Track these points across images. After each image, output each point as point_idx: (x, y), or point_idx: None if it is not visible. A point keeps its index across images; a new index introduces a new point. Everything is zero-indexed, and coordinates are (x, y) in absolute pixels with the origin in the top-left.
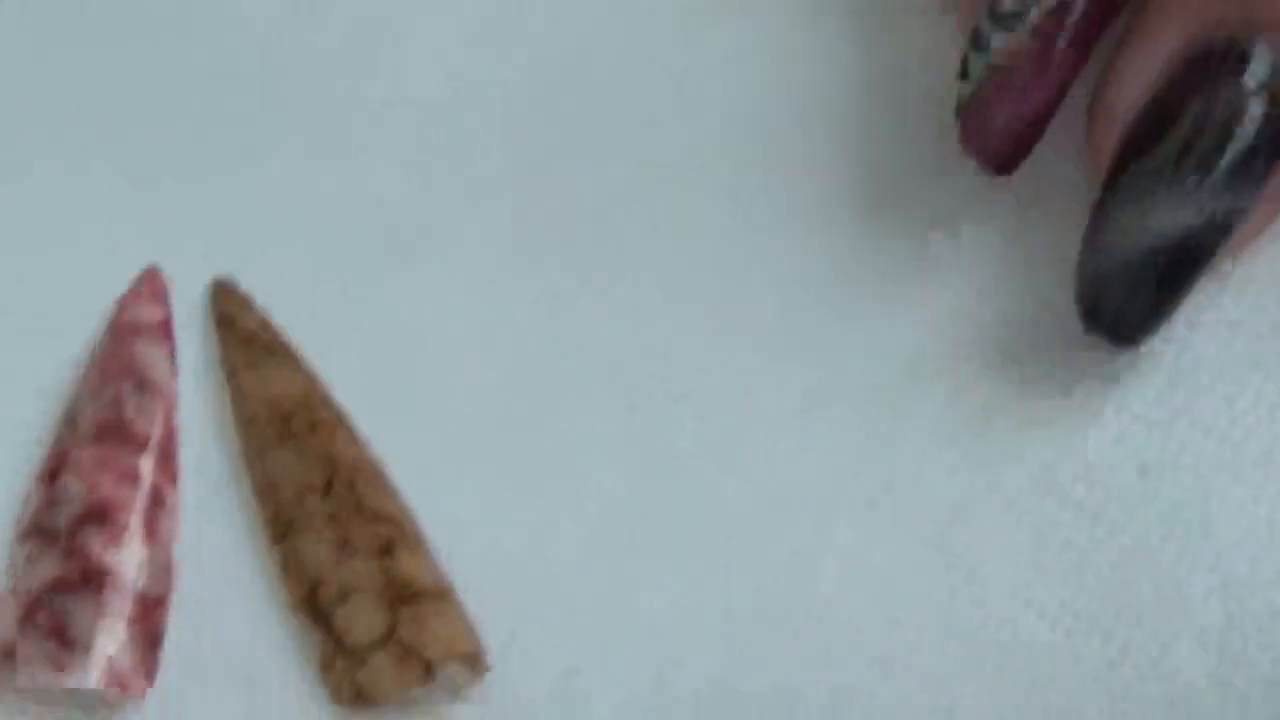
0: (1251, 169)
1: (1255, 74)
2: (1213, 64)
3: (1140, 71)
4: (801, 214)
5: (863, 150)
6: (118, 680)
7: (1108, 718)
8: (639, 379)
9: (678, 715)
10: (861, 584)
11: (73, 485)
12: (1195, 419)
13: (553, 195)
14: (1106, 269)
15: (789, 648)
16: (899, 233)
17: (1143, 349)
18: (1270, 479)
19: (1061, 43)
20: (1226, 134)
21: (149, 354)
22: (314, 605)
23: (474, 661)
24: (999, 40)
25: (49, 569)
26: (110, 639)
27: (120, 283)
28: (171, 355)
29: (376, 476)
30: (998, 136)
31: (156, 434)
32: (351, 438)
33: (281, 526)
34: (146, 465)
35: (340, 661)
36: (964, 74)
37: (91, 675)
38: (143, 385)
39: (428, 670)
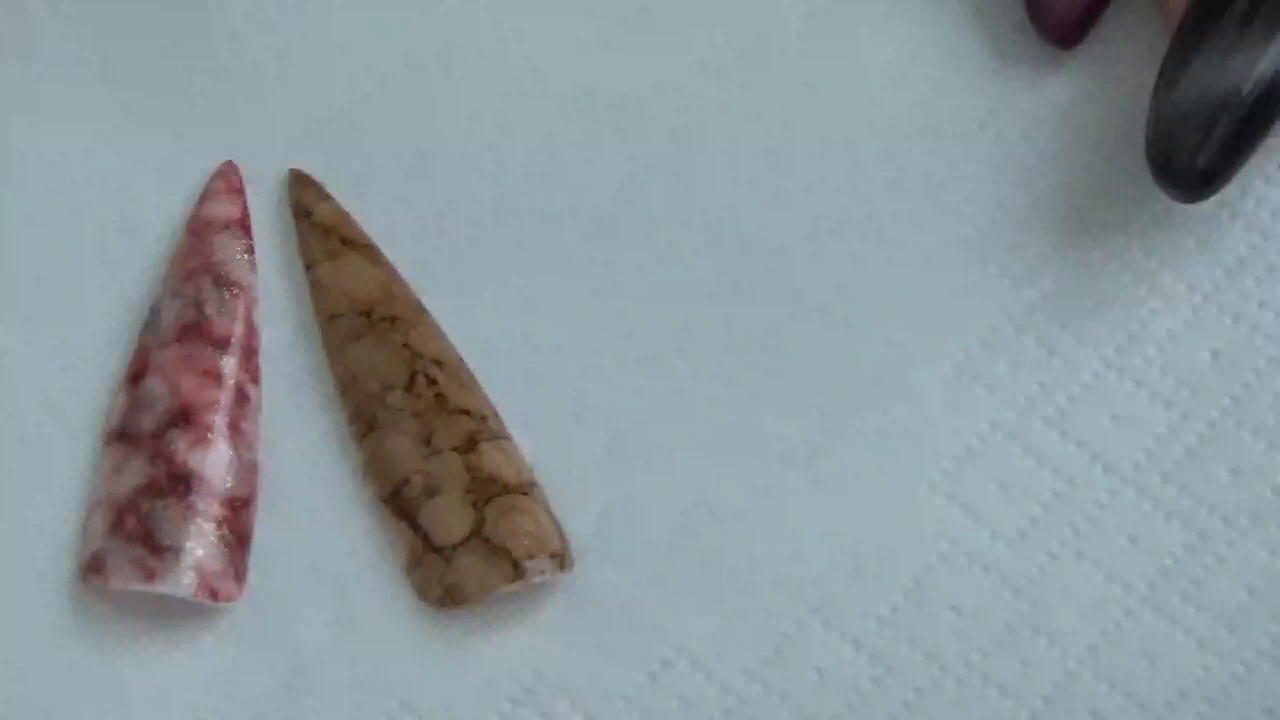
0: None
1: None
2: None
3: None
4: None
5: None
6: (208, 585)
7: (1195, 606)
8: (723, 277)
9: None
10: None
11: (156, 387)
12: (1266, 300)
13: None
14: (1177, 122)
15: (885, 560)
16: (966, 105)
17: (1213, 223)
18: None
19: None
20: None
21: (228, 250)
22: (400, 503)
23: (560, 558)
24: None
25: (136, 474)
26: (199, 543)
27: (197, 179)
28: (250, 251)
29: (458, 371)
30: (1062, 9)
31: (238, 332)
32: (431, 331)
33: (365, 423)
34: (229, 364)
35: (428, 559)
36: None
37: (182, 581)
38: (222, 282)
39: (515, 568)
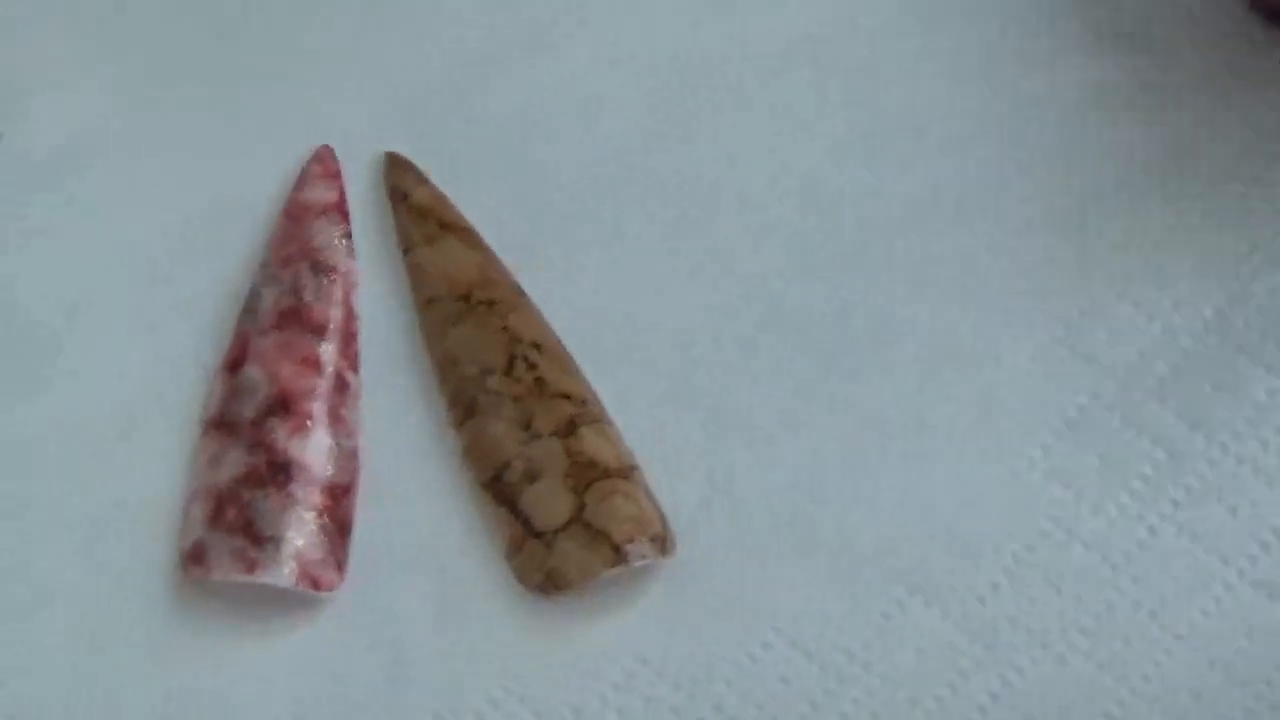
0: None
1: None
2: None
3: None
4: None
5: None
6: (309, 575)
7: None
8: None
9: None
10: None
11: (255, 374)
12: None
13: None
14: None
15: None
16: (1062, 80)
17: None
18: None
19: None
20: None
21: (325, 235)
22: (500, 488)
23: (661, 542)
24: None
25: (235, 463)
26: (300, 533)
27: (294, 164)
28: (348, 236)
29: (557, 354)
30: None
31: (336, 318)
32: (530, 314)
33: (464, 408)
34: (328, 351)
35: (529, 545)
36: None
37: (283, 571)
38: (320, 268)
39: (617, 552)
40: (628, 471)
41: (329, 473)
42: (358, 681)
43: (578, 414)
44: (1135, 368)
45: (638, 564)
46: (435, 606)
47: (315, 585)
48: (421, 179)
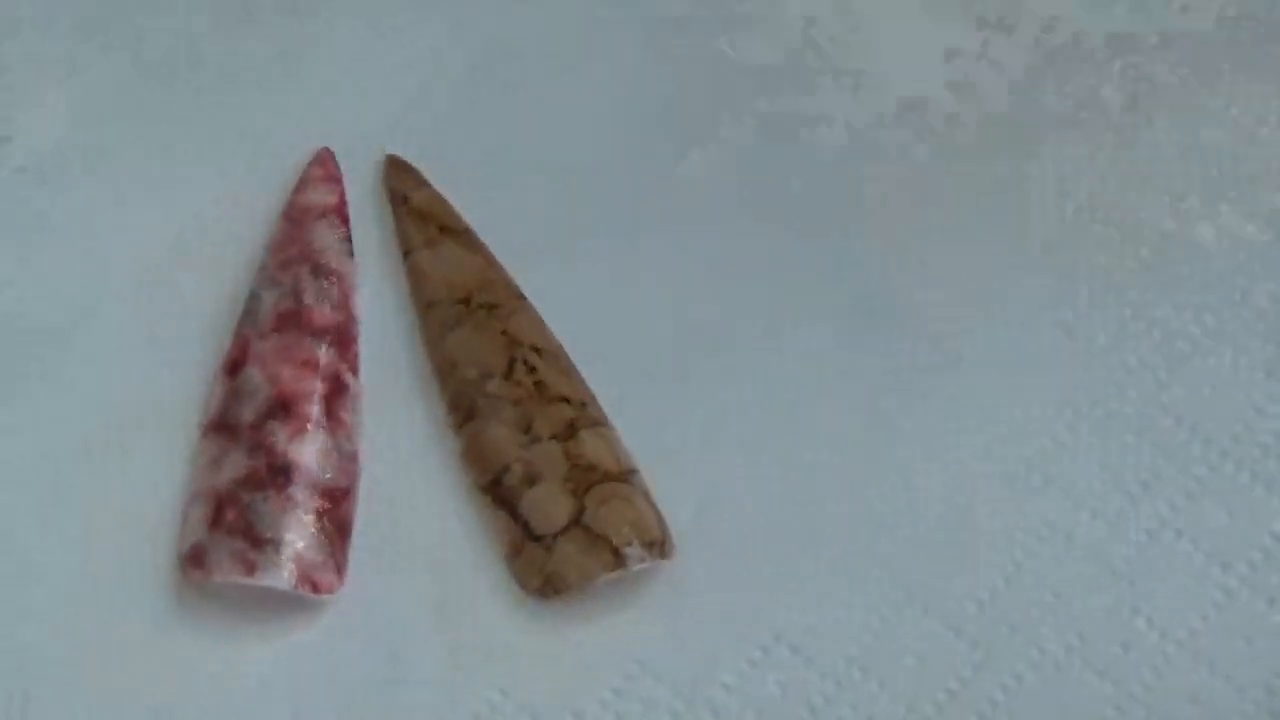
0: None
1: None
2: None
3: None
4: None
5: None
6: (308, 577)
7: None
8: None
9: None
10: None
11: (255, 377)
12: None
13: None
14: None
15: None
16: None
17: None
18: None
19: None
20: None
21: (325, 238)
22: (499, 491)
23: (660, 546)
24: None
25: (235, 465)
26: (299, 535)
27: (294, 167)
28: (348, 239)
29: (557, 357)
30: None
31: (336, 321)
32: (530, 318)
33: (464, 411)
34: (327, 353)
35: (528, 548)
36: None
37: (283, 574)
38: (320, 270)
39: (616, 556)
40: (627, 475)
41: (328, 475)
42: (357, 684)
43: (577, 417)
44: (1134, 371)
45: (637, 568)
46: (434, 609)
47: (315, 588)
48: (421, 182)
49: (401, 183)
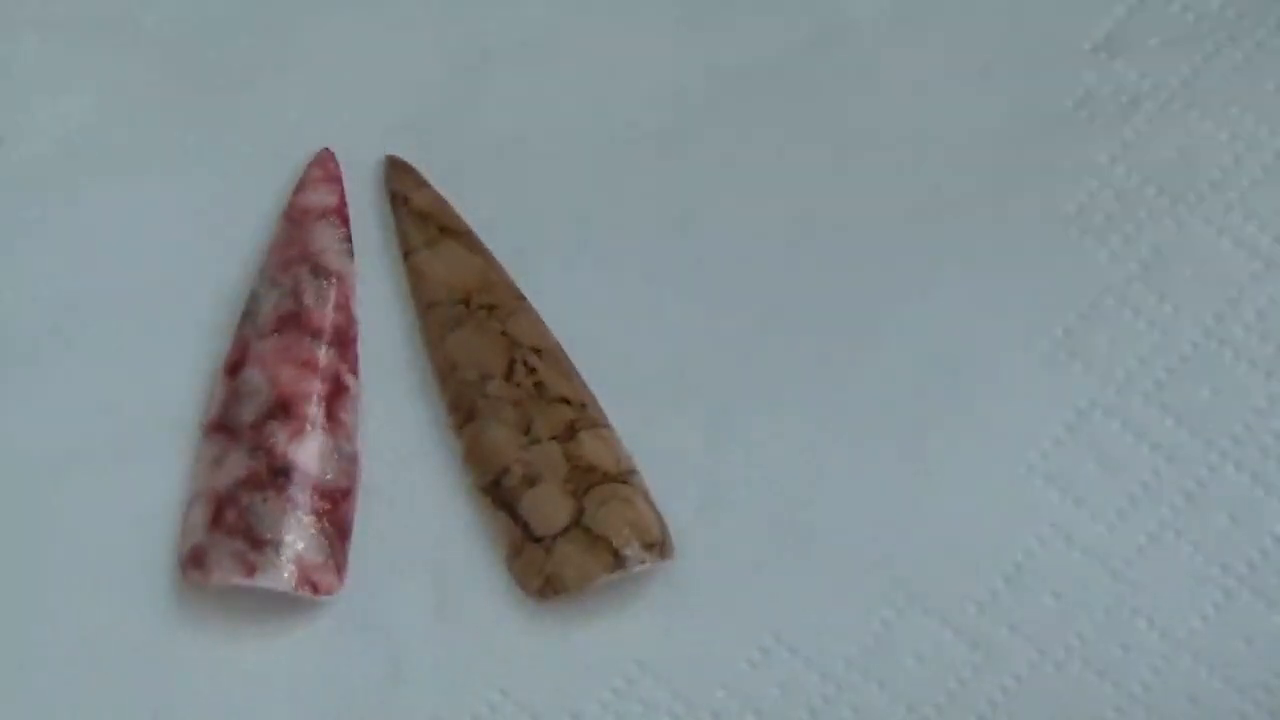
0: None
1: None
2: None
3: None
4: None
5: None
6: (308, 578)
7: None
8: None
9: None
10: None
11: (255, 378)
12: None
13: None
14: None
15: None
16: (1061, 83)
17: None
18: None
19: None
20: None
21: (325, 239)
22: (499, 492)
23: (660, 547)
24: None
25: (236, 466)
26: (299, 536)
27: (294, 167)
28: (348, 239)
29: (557, 358)
30: None
31: (336, 322)
32: (530, 319)
33: (464, 412)
34: (327, 354)
35: (528, 549)
36: None
37: (283, 575)
38: (320, 271)
39: (616, 557)
40: (627, 476)
41: (328, 476)
42: (356, 685)
43: (577, 418)
44: (1134, 373)
45: (636, 569)
46: (434, 610)
47: (314, 589)
48: (422, 183)
49: (402, 183)
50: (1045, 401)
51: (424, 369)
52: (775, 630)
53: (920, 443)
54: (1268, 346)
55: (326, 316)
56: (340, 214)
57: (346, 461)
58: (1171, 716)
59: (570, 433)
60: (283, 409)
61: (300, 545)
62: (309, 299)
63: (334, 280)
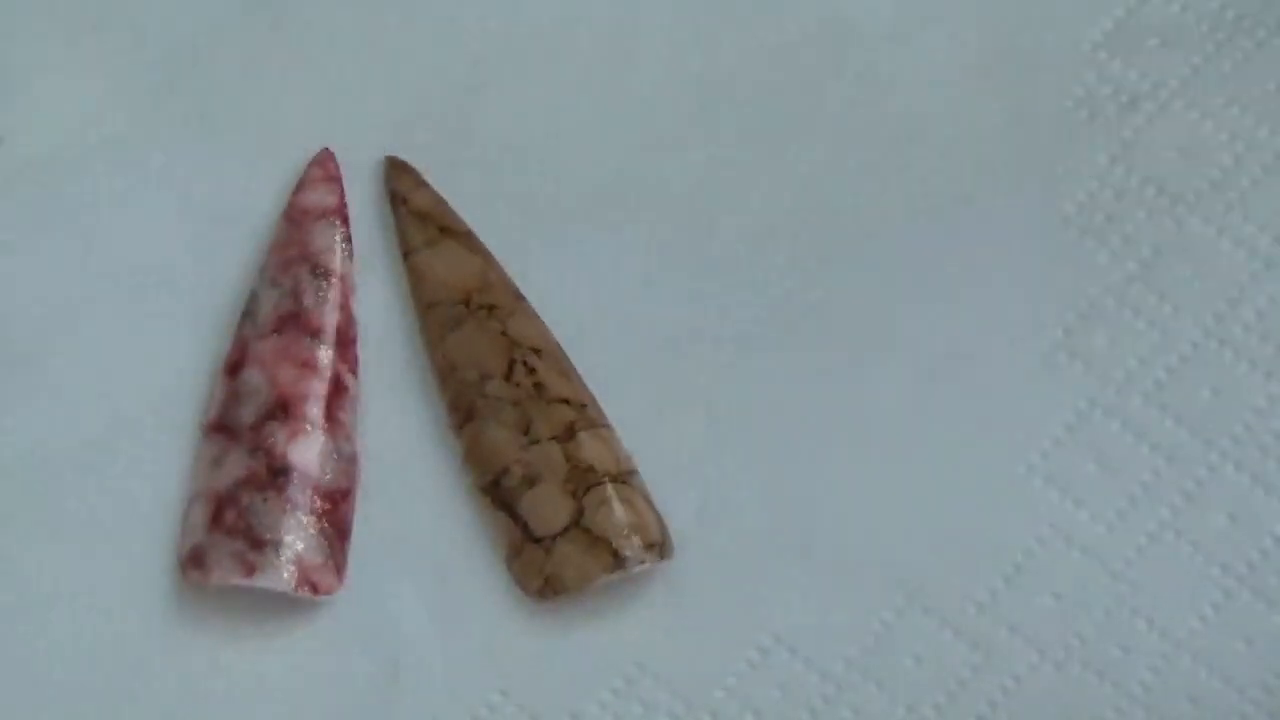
0: None
1: None
2: None
3: None
4: None
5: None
6: (308, 578)
7: None
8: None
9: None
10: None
11: (255, 378)
12: None
13: None
14: None
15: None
16: (1060, 83)
17: None
18: None
19: None
20: None
21: (325, 239)
22: (499, 493)
23: (660, 547)
24: None
25: (236, 466)
26: (299, 536)
27: (294, 167)
28: (348, 239)
29: (556, 358)
30: None
31: (336, 322)
32: (530, 319)
33: (463, 412)
34: (327, 355)
35: (528, 550)
36: None
37: (282, 575)
38: (320, 271)
39: (615, 558)
40: (626, 476)
41: (328, 477)
42: (356, 686)
43: (577, 419)
44: (1134, 373)
45: (636, 569)
46: (434, 611)
47: (314, 589)
48: (421, 183)
49: (401, 184)
50: (1045, 401)
51: (424, 369)
52: (775, 630)
53: (920, 442)
54: (1268, 346)
55: (326, 316)
56: (340, 214)
57: (346, 462)
58: (1171, 716)
59: (570, 433)
60: (282, 409)
61: (300, 545)
62: (309, 299)
63: (334, 280)
